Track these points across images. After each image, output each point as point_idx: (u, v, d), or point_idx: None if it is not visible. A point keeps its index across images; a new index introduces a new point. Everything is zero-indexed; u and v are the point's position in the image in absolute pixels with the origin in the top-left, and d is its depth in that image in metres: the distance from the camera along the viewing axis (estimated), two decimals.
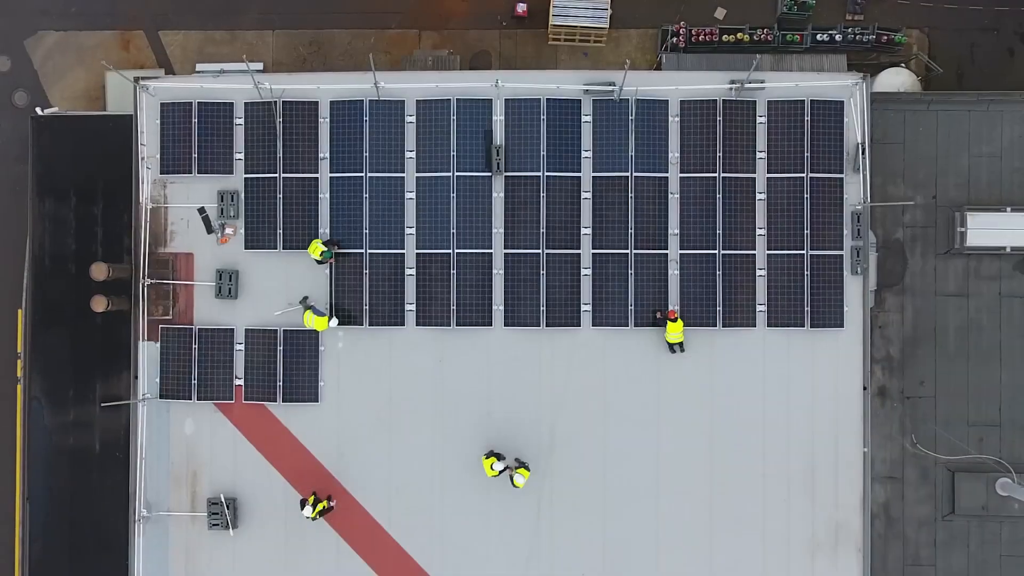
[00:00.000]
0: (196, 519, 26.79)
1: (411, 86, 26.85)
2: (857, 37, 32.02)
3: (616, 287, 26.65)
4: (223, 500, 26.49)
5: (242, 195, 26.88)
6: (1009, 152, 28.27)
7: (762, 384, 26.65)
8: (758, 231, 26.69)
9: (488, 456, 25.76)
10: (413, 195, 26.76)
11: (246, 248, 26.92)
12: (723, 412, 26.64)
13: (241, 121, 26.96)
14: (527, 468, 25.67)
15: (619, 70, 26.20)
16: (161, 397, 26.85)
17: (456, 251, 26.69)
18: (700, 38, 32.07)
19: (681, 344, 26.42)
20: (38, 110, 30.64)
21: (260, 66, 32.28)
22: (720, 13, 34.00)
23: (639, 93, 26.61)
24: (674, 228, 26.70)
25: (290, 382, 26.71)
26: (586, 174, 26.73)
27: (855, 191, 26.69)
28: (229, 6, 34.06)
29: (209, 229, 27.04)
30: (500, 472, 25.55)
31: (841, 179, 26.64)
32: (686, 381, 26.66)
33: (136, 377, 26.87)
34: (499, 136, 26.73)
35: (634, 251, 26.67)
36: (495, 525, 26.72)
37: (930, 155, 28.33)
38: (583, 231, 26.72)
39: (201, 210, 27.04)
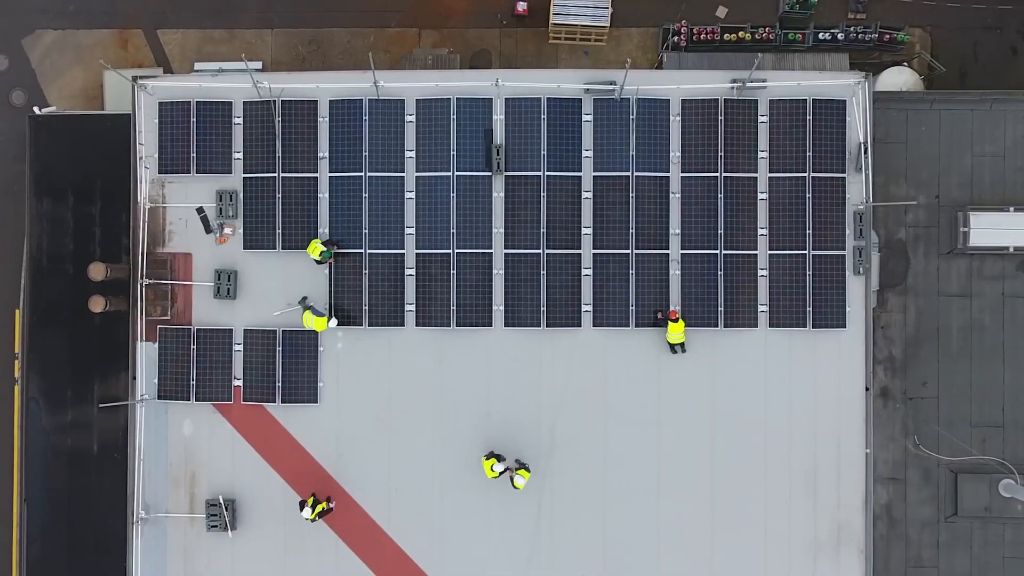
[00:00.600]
0: (194, 521, 26.69)
1: (411, 85, 26.73)
2: (859, 36, 31.96)
3: (617, 287, 26.53)
4: (222, 501, 26.39)
5: (241, 195, 26.77)
6: (1012, 151, 28.18)
7: (764, 385, 26.55)
8: (760, 231, 26.58)
9: (488, 457, 25.66)
10: (413, 195, 26.64)
11: (245, 248, 26.81)
12: (724, 413, 26.54)
13: (240, 120, 26.83)
14: (527, 469, 25.57)
15: (620, 69, 26.08)
16: (159, 398, 26.75)
17: (456, 251, 26.57)
18: (701, 37, 32.00)
19: (682, 344, 26.31)
20: (36, 109, 30.60)
21: (259, 65, 32.20)
22: (722, 12, 33.88)
23: (640, 92, 26.49)
24: (675, 228, 26.58)
25: (289, 383, 26.60)
26: (587, 174, 26.61)
27: (857, 191, 26.56)
28: (228, 5, 33.93)
29: (208, 229, 26.93)
30: (500, 473, 25.45)
31: (843, 179, 26.52)
32: (687, 382, 26.56)
33: (134, 378, 26.76)
34: (499, 135, 26.61)
35: (635, 251, 26.55)
36: (495, 526, 26.62)
37: (933, 154, 28.23)
38: (584, 231, 26.60)
39: (199, 210, 26.92)
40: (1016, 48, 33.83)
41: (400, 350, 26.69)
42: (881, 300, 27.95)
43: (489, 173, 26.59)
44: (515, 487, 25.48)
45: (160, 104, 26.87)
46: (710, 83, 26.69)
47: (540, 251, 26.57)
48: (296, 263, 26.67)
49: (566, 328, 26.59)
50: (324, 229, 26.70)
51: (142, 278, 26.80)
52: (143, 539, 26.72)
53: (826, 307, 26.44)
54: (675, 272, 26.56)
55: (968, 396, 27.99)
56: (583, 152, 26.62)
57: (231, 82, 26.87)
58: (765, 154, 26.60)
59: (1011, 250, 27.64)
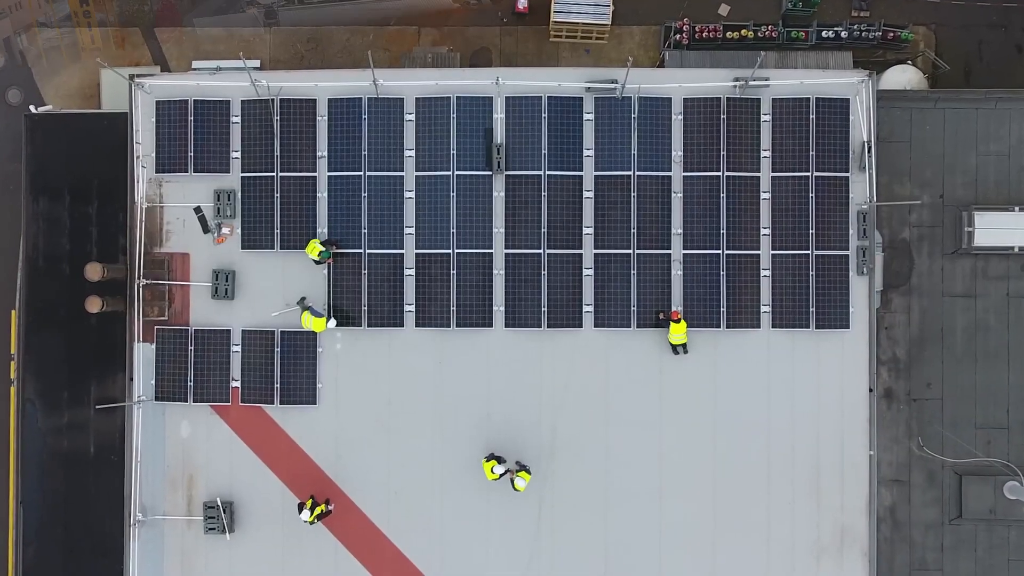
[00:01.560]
0: (192, 523, 26.54)
1: (410, 84, 26.58)
2: (863, 34, 31.86)
3: (618, 287, 26.36)
4: (219, 504, 26.24)
5: (239, 194, 26.61)
6: (1017, 150, 28.06)
7: (766, 386, 26.42)
8: (762, 231, 26.42)
9: (489, 459, 25.52)
10: (412, 194, 26.47)
11: (243, 248, 26.65)
12: (727, 414, 26.42)
13: (238, 119, 26.67)
14: (528, 471, 25.41)
15: (621, 67, 25.91)
16: (157, 399, 26.59)
17: (456, 251, 26.39)
18: (704, 35, 31.89)
19: (684, 345, 26.15)
20: (32, 108, 30.42)
21: (257, 63, 31.86)
22: (724, 10, 33.75)
23: (642, 91, 26.34)
24: (677, 228, 26.42)
25: (287, 384, 26.43)
26: (588, 173, 26.46)
27: (861, 190, 26.42)
28: (226, 3, 33.76)
29: (205, 229, 26.77)
30: (501, 475, 25.31)
31: (847, 178, 26.36)
32: (689, 383, 26.42)
33: (131, 379, 26.62)
34: (500, 134, 26.43)
35: (637, 251, 26.38)
36: (495, 528, 26.49)
37: (937, 154, 28.10)
38: (585, 231, 26.43)
39: (197, 209, 26.76)
40: (1021, 46, 33.68)
41: (399, 351, 26.53)
42: (885, 300, 27.80)
43: (489, 172, 26.41)
44: (515, 489, 25.33)
45: (157, 103, 26.72)
46: (712, 81, 26.54)
47: (541, 251, 26.39)
48: (294, 263, 26.50)
49: (567, 329, 26.41)
50: (323, 229, 26.53)
51: (139, 278, 26.65)
52: (140, 541, 26.56)
53: (829, 307, 26.28)
54: (677, 272, 26.40)
55: (972, 397, 27.86)
56: (584, 151, 26.44)
57: (229, 81, 26.72)
58: (768, 153, 26.45)
59: (1016, 250, 27.54)
